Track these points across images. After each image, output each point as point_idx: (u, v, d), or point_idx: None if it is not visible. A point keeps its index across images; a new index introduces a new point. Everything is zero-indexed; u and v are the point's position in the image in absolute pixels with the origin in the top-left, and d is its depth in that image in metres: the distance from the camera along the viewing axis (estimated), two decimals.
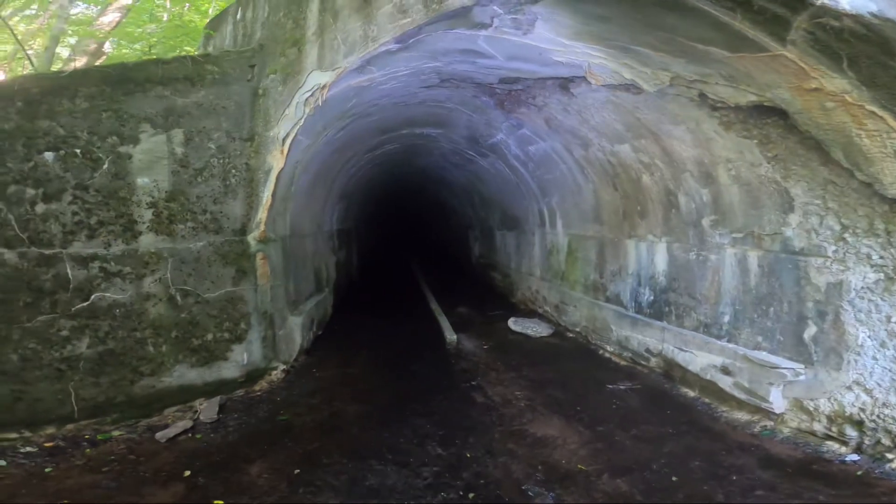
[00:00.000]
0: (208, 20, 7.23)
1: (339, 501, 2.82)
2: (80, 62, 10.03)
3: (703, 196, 4.39)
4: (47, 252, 3.65)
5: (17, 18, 11.27)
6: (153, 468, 3.13)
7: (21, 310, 3.54)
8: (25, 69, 9.48)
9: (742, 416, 3.86)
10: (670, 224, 4.91)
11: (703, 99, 3.71)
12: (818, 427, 3.41)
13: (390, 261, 16.03)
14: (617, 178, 5.47)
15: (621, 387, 4.65)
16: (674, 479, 3.03)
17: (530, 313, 7.86)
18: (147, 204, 4.03)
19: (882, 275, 3.09)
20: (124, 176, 3.94)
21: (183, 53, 7.26)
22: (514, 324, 6.94)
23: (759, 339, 3.94)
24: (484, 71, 4.61)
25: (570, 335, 6.60)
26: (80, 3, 11.02)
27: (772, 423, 3.67)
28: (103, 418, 3.74)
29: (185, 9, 11.00)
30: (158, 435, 3.58)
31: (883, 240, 3.07)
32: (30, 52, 9.80)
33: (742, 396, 3.90)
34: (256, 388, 4.48)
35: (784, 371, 3.57)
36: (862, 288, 3.20)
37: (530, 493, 2.89)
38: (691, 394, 4.38)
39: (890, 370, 3.06)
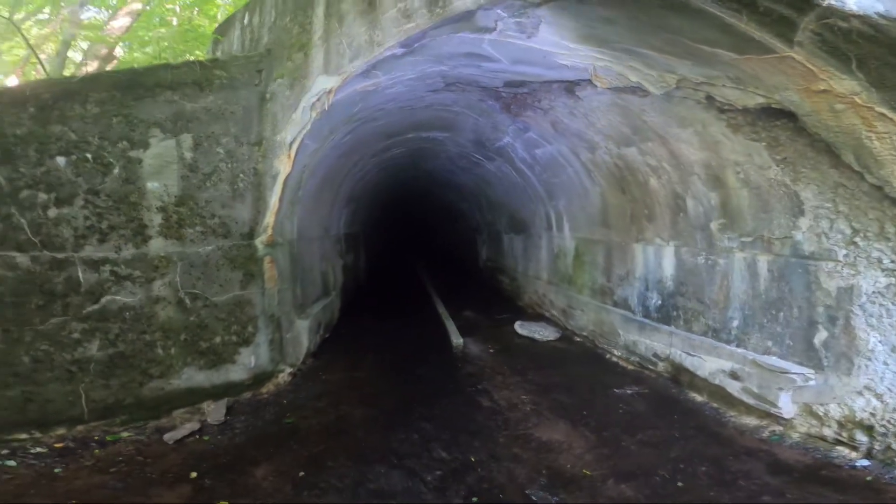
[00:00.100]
0: (217, 25, 7.32)
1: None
2: (91, 67, 10.20)
3: (712, 199, 4.35)
4: (59, 256, 3.70)
5: (29, 23, 11.48)
6: (160, 469, 3.16)
7: (33, 312, 3.60)
8: (38, 74, 9.66)
9: (751, 421, 3.82)
10: (678, 228, 4.87)
11: (711, 101, 3.68)
12: (828, 432, 3.37)
13: (397, 264, 16.07)
14: (624, 181, 5.45)
15: (628, 391, 4.61)
16: (680, 484, 3.00)
17: (537, 317, 7.83)
18: (157, 208, 4.08)
19: (893, 279, 3.05)
20: (135, 181, 3.99)
21: (192, 58, 7.34)
22: (520, 327, 6.92)
23: (769, 343, 3.89)
24: (489, 74, 4.62)
25: (578, 339, 6.56)
26: (91, 7, 11.20)
27: (781, 429, 3.62)
28: (113, 419, 3.78)
29: (195, 13, 11.14)
30: (166, 436, 3.61)
31: (894, 244, 3.02)
32: (42, 56, 9.97)
33: (751, 401, 3.85)
34: (263, 390, 4.51)
35: (794, 376, 3.53)
36: (873, 292, 3.16)
37: (534, 498, 2.88)
38: (699, 399, 4.34)
39: None
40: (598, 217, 6.29)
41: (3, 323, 3.48)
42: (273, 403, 4.28)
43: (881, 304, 3.11)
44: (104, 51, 10.72)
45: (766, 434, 3.62)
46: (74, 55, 10.88)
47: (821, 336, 3.49)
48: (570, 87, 4.58)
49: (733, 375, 4.04)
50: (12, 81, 10.89)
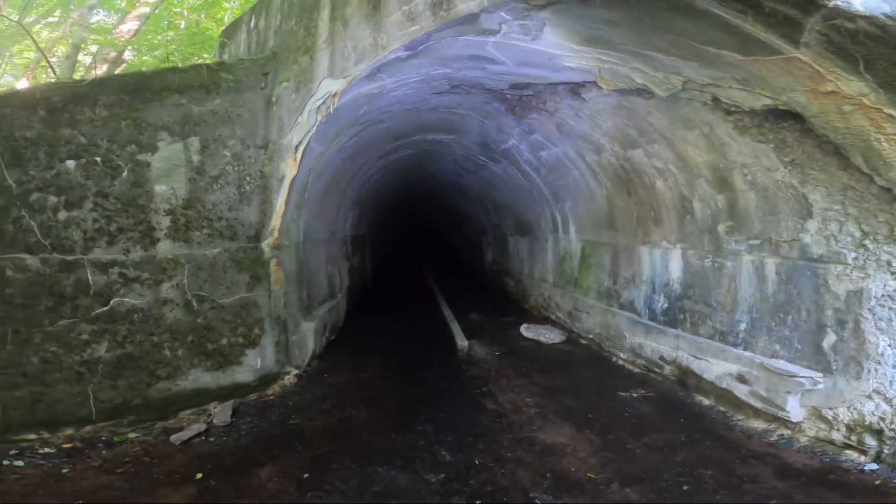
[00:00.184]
0: (223, 28, 7.38)
1: None
2: (100, 70, 10.32)
3: (719, 202, 4.33)
4: (69, 258, 3.75)
5: (39, 25, 11.63)
6: (167, 470, 3.18)
7: (43, 314, 3.64)
8: (48, 77, 9.79)
9: (758, 424, 3.78)
10: (685, 230, 4.84)
11: (717, 103, 3.66)
12: (837, 436, 3.33)
13: (403, 267, 16.10)
14: (630, 183, 5.42)
15: (634, 394, 4.58)
16: (685, 488, 2.97)
17: (543, 320, 7.80)
18: (165, 211, 4.11)
19: None
20: (143, 184, 4.03)
21: (200, 61, 7.41)
22: (526, 330, 6.90)
23: (777, 347, 3.85)
24: (494, 77, 4.62)
25: (583, 342, 6.53)
26: (100, 10, 11.34)
27: (789, 432, 3.59)
28: (120, 420, 3.82)
29: (202, 16, 11.24)
30: (173, 437, 3.63)
31: None
32: (52, 59, 10.10)
33: (758, 405, 3.82)
34: (269, 392, 4.53)
35: (802, 380, 3.49)
36: (882, 296, 3.12)
37: (538, 502, 2.86)
38: (706, 402, 4.30)
39: None
40: (604, 219, 6.27)
41: (13, 324, 3.53)
42: (278, 405, 4.30)
43: (891, 308, 3.08)
44: (113, 54, 10.85)
45: (773, 438, 3.59)
46: (84, 58, 11.02)
47: (830, 339, 3.45)
48: (576, 89, 4.58)
49: (741, 379, 4.00)
50: (23, 84, 11.06)
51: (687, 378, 4.63)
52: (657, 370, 5.06)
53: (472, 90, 5.10)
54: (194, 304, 4.21)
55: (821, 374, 3.46)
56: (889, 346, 3.08)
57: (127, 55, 11.41)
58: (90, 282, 3.80)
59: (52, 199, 3.71)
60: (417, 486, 3.04)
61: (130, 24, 10.89)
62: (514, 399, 4.52)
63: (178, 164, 4.17)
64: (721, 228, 4.36)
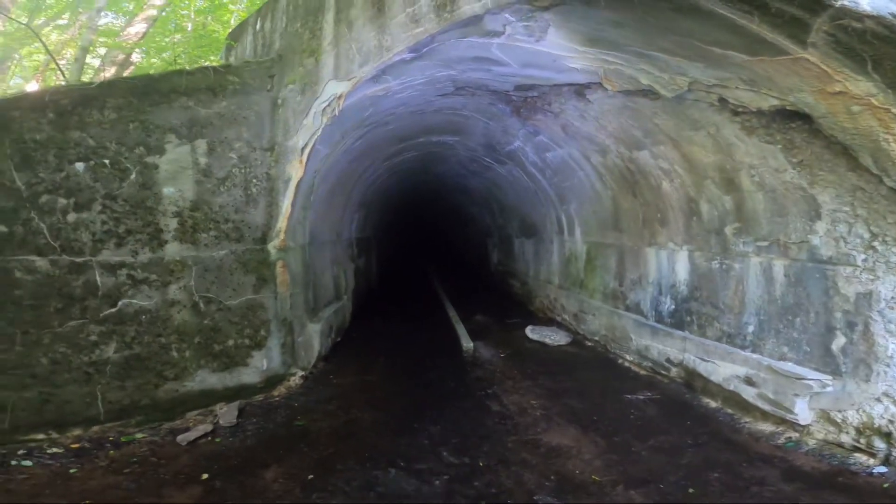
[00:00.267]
0: (230, 31, 7.43)
1: None
2: (109, 72, 10.43)
3: (726, 203, 4.30)
4: (78, 260, 3.78)
5: (48, 28, 11.77)
6: (173, 470, 3.20)
7: (52, 315, 3.67)
8: (57, 79, 9.90)
9: (766, 427, 3.75)
10: (692, 232, 4.81)
11: (724, 104, 3.64)
12: (846, 439, 3.30)
13: (409, 269, 16.11)
14: (636, 185, 5.40)
15: (640, 397, 4.56)
16: (691, 490, 2.96)
17: (548, 321, 7.78)
18: (172, 213, 4.14)
19: None
20: (151, 186, 4.06)
21: (206, 64, 7.46)
22: (531, 332, 6.89)
23: (785, 349, 3.82)
24: (499, 78, 4.62)
25: (589, 344, 6.51)
26: (108, 12, 11.46)
27: (797, 435, 3.56)
28: (128, 421, 3.84)
29: (209, 19, 11.33)
30: (179, 438, 3.66)
31: None
32: (61, 62, 10.21)
33: (766, 407, 3.78)
34: (275, 393, 4.55)
35: (811, 382, 3.46)
36: (892, 298, 3.09)
37: None
38: (713, 404, 4.27)
39: None
40: (609, 221, 6.25)
41: (23, 325, 3.56)
42: (284, 406, 4.32)
43: None
44: (121, 56, 10.97)
45: (781, 440, 3.56)
46: (93, 61, 11.14)
47: (839, 342, 3.42)
48: (581, 90, 4.57)
49: (748, 381, 3.97)
50: (32, 87, 11.20)
51: (694, 380, 4.60)
52: (663, 372, 5.03)
53: (476, 92, 5.10)
54: (201, 305, 4.24)
55: (830, 377, 3.42)
56: None
57: (135, 57, 11.53)
58: (99, 283, 3.84)
59: (62, 201, 3.74)
60: (422, 487, 3.04)
61: (138, 27, 11.01)
62: (519, 401, 4.50)
63: (186, 166, 4.19)
64: (728, 230, 4.33)
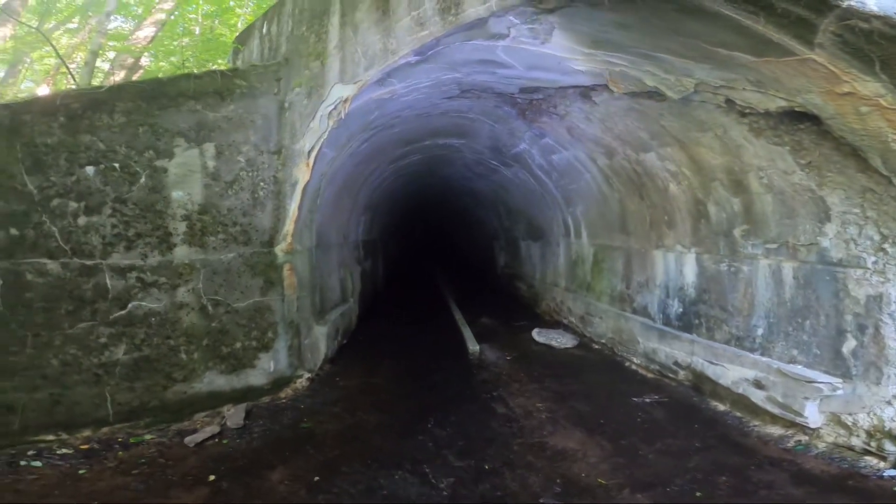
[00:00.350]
0: (237, 34, 7.49)
1: None
2: (118, 76, 10.56)
3: (734, 205, 4.27)
4: (88, 263, 3.82)
5: (59, 32, 11.94)
6: (181, 472, 3.23)
7: (63, 317, 3.72)
8: (68, 83, 10.05)
9: (775, 430, 3.71)
10: (699, 234, 4.78)
11: (731, 105, 3.62)
12: (856, 442, 3.26)
13: (415, 271, 16.13)
14: (643, 187, 5.37)
15: (647, 400, 4.52)
16: (698, 494, 2.93)
17: (555, 324, 7.75)
18: (181, 217, 4.17)
19: None
20: (160, 189, 4.09)
21: (214, 67, 7.54)
22: (538, 335, 6.86)
23: (795, 352, 3.78)
24: (504, 81, 4.63)
25: (596, 347, 6.47)
26: (117, 16, 11.62)
27: (807, 438, 3.52)
28: (137, 422, 3.87)
29: (216, 23, 11.45)
30: (187, 439, 3.68)
31: None
32: (72, 65, 10.35)
33: (775, 411, 3.74)
34: (282, 395, 4.57)
35: (821, 385, 3.42)
36: None
37: None
38: (721, 407, 4.23)
39: None
40: (616, 223, 6.22)
41: (34, 327, 3.61)
42: (291, 408, 4.34)
43: None
44: (130, 60, 11.11)
45: (790, 444, 3.53)
46: (103, 65, 11.29)
47: (849, 345, 3.38)
48: (586, 92, 4.56)
49: (757, 384, 3.93)
50: (43, 90, 11.37)
51: (702, 383, 4.56)
52: (671, 375, 4.99)
53: (482, 94, 5.11)
54: (209, 308, 4.27)
55: (840, 380, 3.38)
56: None
57: (144, 61, 11.67)
58: (109, 286, 3.88)
59: (73, 204, 3.79)
60: (427, 490, 3.04)
61: (147, 31, 11.15)
62: (525, 404, 4.49)
63: (194, 169, 4.23)
64: (737, 232, 4.30)
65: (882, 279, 3.16)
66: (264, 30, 5.49)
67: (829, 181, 3.39)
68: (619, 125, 4.86)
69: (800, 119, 3.30)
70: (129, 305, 3.94)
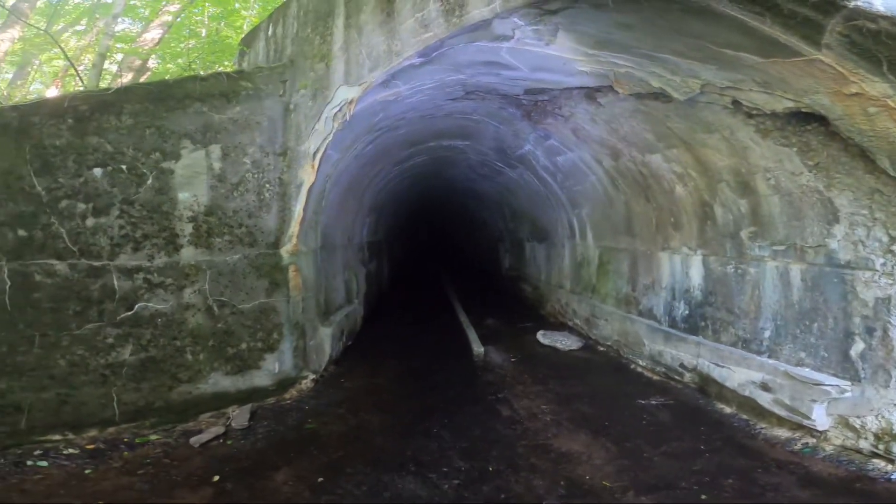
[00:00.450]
0: (242, 36, 7.54)
1: None
2: (126, 78, 10.65)
3: (741, 207, 4.24)
4: (96, 264, 3.85)
5: (67, 34, 12.05)
6: (185, 472, 3.24)
7: (70, 318, 3.74)
8: (76, 85, 10.14)
9: (782, 433, 3.69)
10: (706, 236, 4.75)
11: (737, 106, 3.60)
12: (864, 445, 3.23)
13: (420, 273, 16.13)
14: (649, 188, 5.35)
15: (653, 402, 4.50)
16: (704, 497, 2.91)
17: (560, 326, 7.73)
18: (188, 218, 4.19)
19: None
20: (167, 191, 4.12)
21: (220, 69, 7.58)
22: (542, 336, 6.85)
23: (802, 355, 3.75)
24: (509, 82, 4.63)
25: (601, 349, 6.45)
26: (125, 18, 11.71)
27: (814, 441, 3.49)
28: (142, 422, 3.89)
29: (222, 25, 11.52)
30: (192, 440, 3.69)
31: None
32: (80, 67, 10.45)
33: (782, 413, 3.71)
34: (286, 396, 4.58)
35: (828, 388, 3.39)
36: None
37: None
38: (727, 410, 4.20)
39: None
40: (622, 225, 6.20)
41: (41, 328, 3.64)
42: (295, 409, 4.35)
43: None
44: (138, 62, 11.21)
45: (798, 446, 3.50)
46: (110, 66, 11.38)
47: (857, 347, 3.35)
48: (591, 93, 4.55)
49: (764, 387, 3.90)
50: (52, 92, 11.49)
51: (708, 386, 4.53)
52: (677, 378, 4.96)
53: (486, 96, 5.11)
54: (215, 309, 4.29)
55: (848, 383, 3.35)
56: None
57: (151, 63, 11.77)
58: (116, 287, 3.90)
59: (81, 206, 3.82)
60: (430, 492, 3.03)
61: (154, 33, 11.24)
62: (529, 406, 4.48)
63: (200, 171, 4.25)
64: (744, 234, 4.27)
65: (891, 281, 3.13)
66: (269, 32, 5.52)
67: (837, 182, 3.36)
68: (624, 126, 4.85)
69: (807, 120, 3.28)
70: (136, 306, 3.97)
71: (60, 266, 3.74)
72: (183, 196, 4.19)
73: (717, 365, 4.42)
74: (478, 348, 6.35)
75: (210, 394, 4.21)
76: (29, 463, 3.30)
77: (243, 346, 4.41)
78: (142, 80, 10.51)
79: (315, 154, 4.53)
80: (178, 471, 3.26)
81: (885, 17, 2.13)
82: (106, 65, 10.08)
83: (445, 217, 17.17)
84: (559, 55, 3.78)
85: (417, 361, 5.94)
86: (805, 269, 3.75)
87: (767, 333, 4.07)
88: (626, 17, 3.00)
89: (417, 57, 3.78)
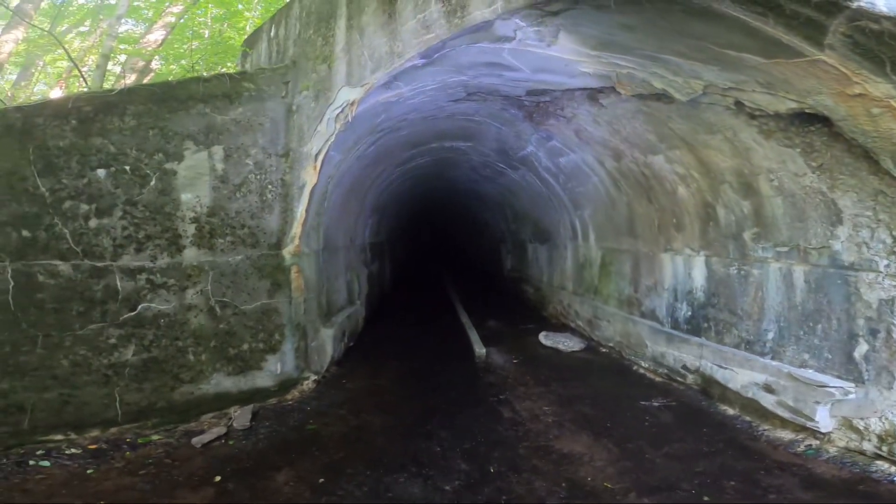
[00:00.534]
0: (245, 38, 7.56)
1: None
2: (129, 79, 10.70)
3: (744, 208, 4.23)
4: (99, 264, 3.86)
5: (71, 35, 12.11)
6: (187, 472, 3.24)
7: (73, 318, 3.76)
8: (80, 86, 10.18)
9: (785, 434, 3.67)
10: (708, 237, 4.74)
11: (740, 107, 3.59)
12: (868, 446, 3.21)
13: (422, 274, 16.13)
14: (651, 190, 5.34)
15: (655, 403, 4.48)
16: (706, 498, 2.90)
17: (562, 327, 7.72)
18: (190, 219, 4.20)
19: None
20: (170, 192, 4.13)
21: (223, 70, 7.61)
22: (544, 338, 6.83)
23: (806, 356, 3.73)
24: (511, 84, 4.63)
25: (603, 350, 6.43)
26: (128, 19, 11.77)
27: (817, 443, 3.48)
28: (144, 422, 3.90)
29: (224, 26, 11.57)
30: (194, 440, 3.70)
31: None
32: (84, 68, 10.50)
33: (786, 415, 3.70)
34: (288, 397, 4.58)
35: (832, 390, 3.38)
36: None
37: None
38: (730, 412, 4.19)
39: None
40: (624, 226, 6.18)
41: (44, 328, 3.65)
42: (297, 410, 4.35)
43: None
44: (141, 63, 11.25)
45: (801, 448, 3.48)
46: (114, 68, 11.44)
47: (861, 349, 3.33)
48: (593, 94, 4.54)
49: (767, 388, 3.88)
50: (56, 93, 11.55)
51: (710, 387, 4.52)
52: (679, 379, 4.94)
53: (488, 97, 5.11)
54: (217, 310, 4.30)
55: (852, 384, 3.34)
56: None
57: (154, 65, 11.81)
58: (119, 287, 3.91)
59: (84, 206, 3.83)
60: (431, 493, 3.03)
61: (157, 34, 11.29)
62: (531, 407, 4.47)
63: (203, 172, 4.26)
64: (747, 235, 4.26)
65: (895, 283, 3.11)
66: (272, 33, 5.53)
67: (840, 184, 3.34)
68: (626, 128, 4.84)
69: (810, 121, 3.27)
70: (139, 307, 3.98)
71: (64, 266, 3.75)
72: (186, 197, 4.20)
73: (720, 366, 4.40)
74: (479, 349, 6.35)
75: (212, 394, 4.22)
76: (31, 463, 3.31)
77: (245, 346, 4.42)
78: (145, 81, 10.54)
79: (317, 155, 4.53)
80: (179, 471, 3.26)
81: (888, 18, 2.13)
82: (109, 66, 10.13)
83: (447, 218, 17.18)
84: (561, 56, 3.78)
85: (419, 362, 5.94)
86: (808, 271, 3.73)
87: (771, 335, 4.06)
88: (627, 19, 3.00)
89: (419, 58, 3.79)
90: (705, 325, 4.80)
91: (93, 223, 3.86)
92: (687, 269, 5.09)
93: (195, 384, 4.17)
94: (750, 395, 4.03)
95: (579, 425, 4.04)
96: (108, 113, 3.92)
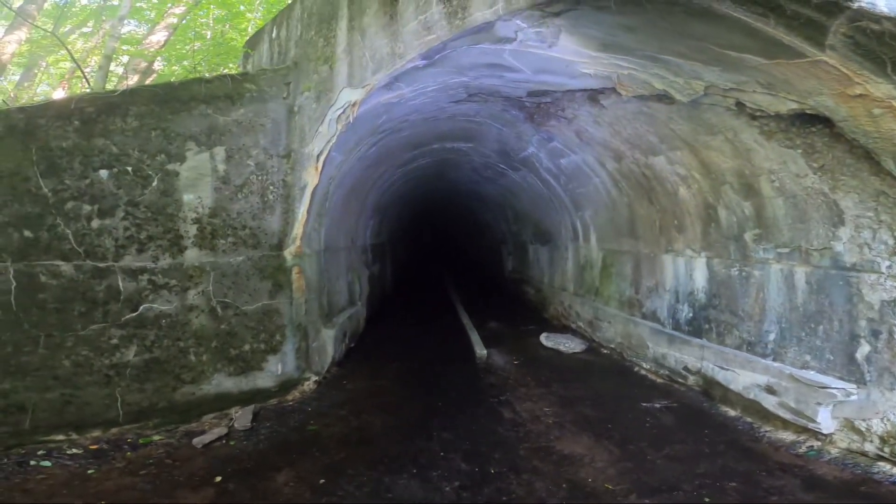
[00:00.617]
0: (247, 39, 7.59)
1: None
2: (132, 80, 10.73)
3: (745, 209, 4.22)
4: (101, 265, 3.87)
5: (74, 36, 12.15)
6: (187, 473, 3.25)
7: (75, 319, 3.77)
8: (83, 86, 10.21)
9: (787, 436, 3.66)
10: (710, 239, 4.73)
11: (741, 108, 3.59)
12: (870, 448, 3.21)
13: (423, 275, 16.14)
14: (652, 191, 5.34)
15: (656, 405, 4.48)
16: (706, 500, 2.90)
17: (563, 329, 7.71)
18: (192, 220, 4.21)
19: None
20: (172, 193, 4.14)
21: (225, 71, 7.63)
22: (545, 339, 6.83)
23: (808, 357, 3.73)
24: (512, 85, 4.63)
25: (604, 351, 6.43)
26: (130, 20, 11.81)
27: (819, 444, 3.47)
28: (146, 423, 3.91)
29: (226, 27, 11.60)
30: (195, 441, 3.70)
31: None
32: (86, 69, 10.53)
33: (787, 416, 3.69)
34: (289, 397, 4.58)
35: (834, 391, 3.37)
36: None
37: None
38: (732, 413, 4.18)
39: None
40: (625, 228, 6.18)
41: (46, 328, 3.66)
42: (298, 410, 4.35)
43: None
44: (143, 64, 11.29)
45: (802, 449, 3.48)
46: (116, 69, 11.48)
47: (863, 350, 3.32)
48: (594, 95, 4.55)
49: (769, 390, 3.87)
50: (59, 94, 11.59)
51: (712, 389, 4.51)
52: (681, 381, 4.94)
53: (489, 98, 5.12)
54: (219, 310, 4.30)
55: (854, 386, 3.33)
56: None
57: (157, 65, 11.85)
58: (121, 288, 3.92)
59: (86, 207, 3.84)
60: (432, 493, 3.03)
61: (159, 35, 11.32)
62: (532, 408, 4.46)
63: (205, 173, 4.27)
64: (748, 236, 4.25)
65: None
66: (274, 34, 5.55)
67: (842, 184, 3.34)
68: (627, 129, 4.84)
69: (812, 122, 3.27)
70: (141, 307, 3.99)
71: (66, 267, 3.76)
72: (187, 198, 4.21)
73: (722, 368, 4.39)
74: (480, 350, 6.34)
75: (213, 395, 4.22)
76: (32, 463, 3.32)
77: (246, 347, 4.42)
78: (147, 82, 10.58)
79: (319, 156, 4.54)
80: (180, 471, 3.26)
81: (888, 19, 2.13)
82: (112, 67, 10.16)
83: (448, 219, 17.18)
84: (562, 57, 3.79)
85: (420, 363, 5.94)
86: (810, 272, 3.73)
87: (772, 336, 4.05)
88: (628, 20, 3.00)
89: (420, 59, 3.80)
90: (707, 326, 4.79)
91: (95, 224, 3.87)
92: (688, 271, 5.09)
93: (196, 385, 4.17)
94: (751, 396, 4.03)
95: (580, 426, 4.04)
96: (110, 114, 3.93)
